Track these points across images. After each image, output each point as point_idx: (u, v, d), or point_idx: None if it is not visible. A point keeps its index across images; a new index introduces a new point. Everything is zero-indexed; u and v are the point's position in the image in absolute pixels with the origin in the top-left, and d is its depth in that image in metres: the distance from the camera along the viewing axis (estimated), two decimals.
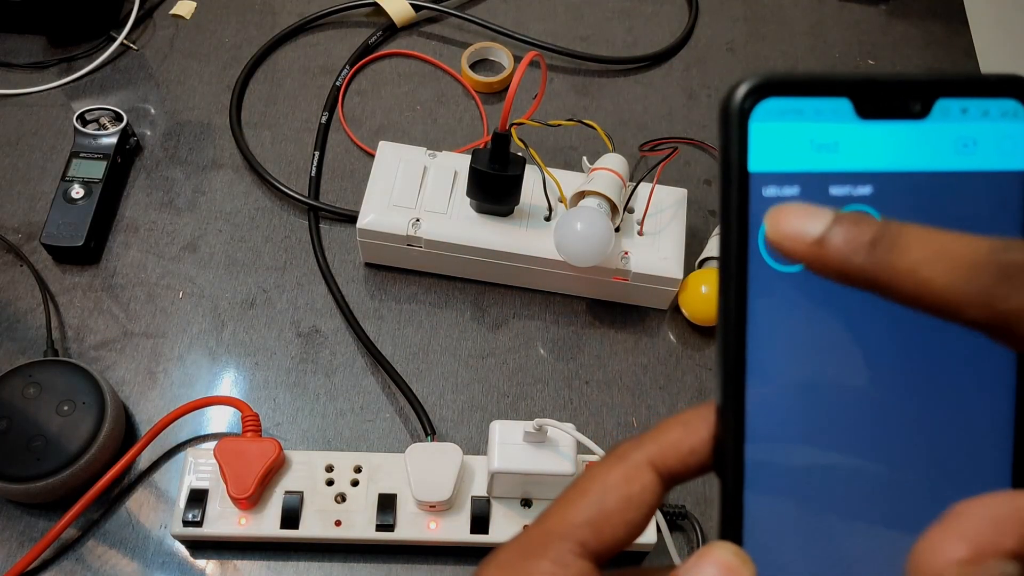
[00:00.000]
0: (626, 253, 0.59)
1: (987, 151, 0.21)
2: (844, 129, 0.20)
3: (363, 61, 0.74)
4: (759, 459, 0.21)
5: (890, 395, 0.21)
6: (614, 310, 0.62)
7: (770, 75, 0.20)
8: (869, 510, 0.21)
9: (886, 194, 0.20)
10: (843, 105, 0.20)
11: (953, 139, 0.21)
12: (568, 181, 0.60)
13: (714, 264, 0.61)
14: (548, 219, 0.60)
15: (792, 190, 0.20)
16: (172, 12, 0.76)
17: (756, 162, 0.20)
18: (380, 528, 0.50)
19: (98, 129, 0.65)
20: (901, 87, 0.20)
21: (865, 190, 0.20)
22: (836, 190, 0.20)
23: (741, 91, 0.20)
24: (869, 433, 0.21)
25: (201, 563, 0.52)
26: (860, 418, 0.21)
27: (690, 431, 0.22)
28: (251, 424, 0.53)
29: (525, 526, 0.51)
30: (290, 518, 0.50)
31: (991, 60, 0.77)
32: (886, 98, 0.20)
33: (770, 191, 0.20)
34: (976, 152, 0.21)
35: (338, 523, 0.50)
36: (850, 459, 0.21)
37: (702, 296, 0.59)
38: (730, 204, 0.20)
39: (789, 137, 0.20)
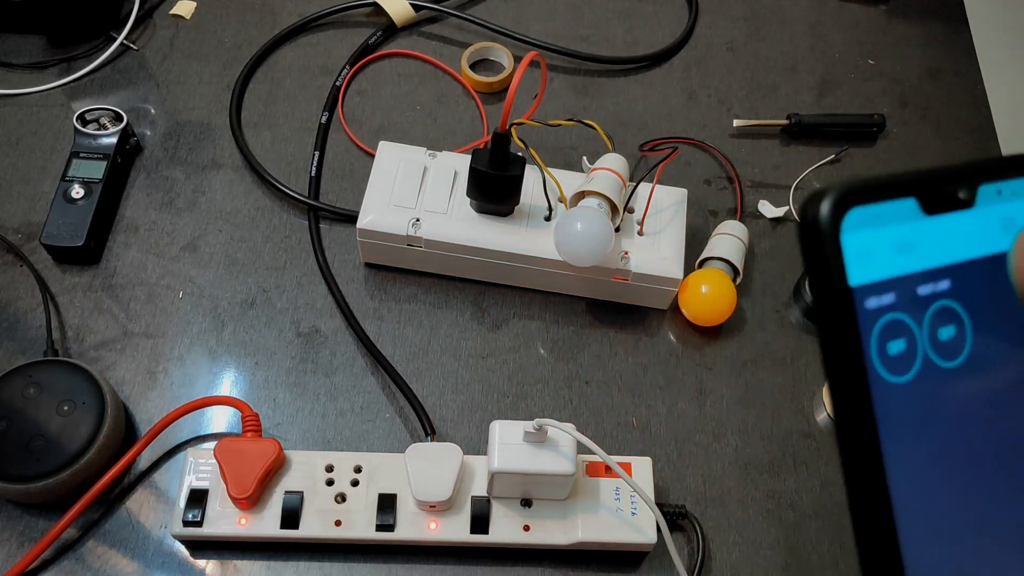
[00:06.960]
0: (626, 253, 0.59)
1: None
2: (916, 228, 0.20)
3: (363, 61, 0.74)
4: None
5: None
6: (614, 310, 0.62)
7: (850, 184, 0.19)
8: None
9: (963, 285, 0.20)
10: (911, 205, 0.20)
11: (998, 221, 0.21)
12: (568, 181, 0.60)
13: (716, 264, 0.61)
14: (548, 219, 0.60)
15: (889, 297, 0.20)
16: (172, 12, 0.76)
17: (855, 275, 0.19)
18: (380, 528, 0.50)
19: (98, 129, 0.65)
20: (948, 177, 0.20)
21: (945, 285, 0.20)
22: (923, 290, 0.20)
23: (827, 204, 0.19)
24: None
25: (201, 563, 0.52)
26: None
27: None
28: (251, 424, 0.53)
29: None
30: (290, 518, 0.50)
31: (991, 60, 0.77)
32: (940, 190, 0.20)
33: (871, 303, 0.19)
34: (1015, 230, 0.21)
35: (338, 523, 0.50)
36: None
37: (702, 296, 0.59)
38: (836, 321, 0.19)
39: (874, 244, 0.20)
